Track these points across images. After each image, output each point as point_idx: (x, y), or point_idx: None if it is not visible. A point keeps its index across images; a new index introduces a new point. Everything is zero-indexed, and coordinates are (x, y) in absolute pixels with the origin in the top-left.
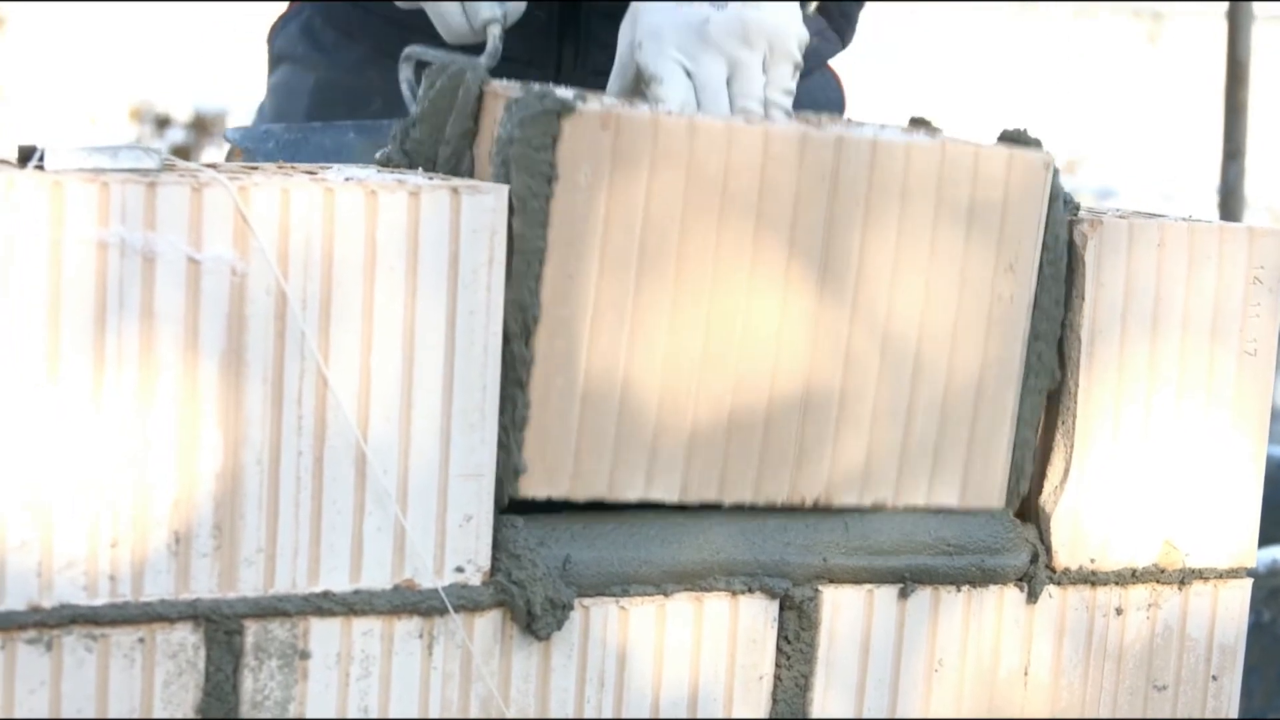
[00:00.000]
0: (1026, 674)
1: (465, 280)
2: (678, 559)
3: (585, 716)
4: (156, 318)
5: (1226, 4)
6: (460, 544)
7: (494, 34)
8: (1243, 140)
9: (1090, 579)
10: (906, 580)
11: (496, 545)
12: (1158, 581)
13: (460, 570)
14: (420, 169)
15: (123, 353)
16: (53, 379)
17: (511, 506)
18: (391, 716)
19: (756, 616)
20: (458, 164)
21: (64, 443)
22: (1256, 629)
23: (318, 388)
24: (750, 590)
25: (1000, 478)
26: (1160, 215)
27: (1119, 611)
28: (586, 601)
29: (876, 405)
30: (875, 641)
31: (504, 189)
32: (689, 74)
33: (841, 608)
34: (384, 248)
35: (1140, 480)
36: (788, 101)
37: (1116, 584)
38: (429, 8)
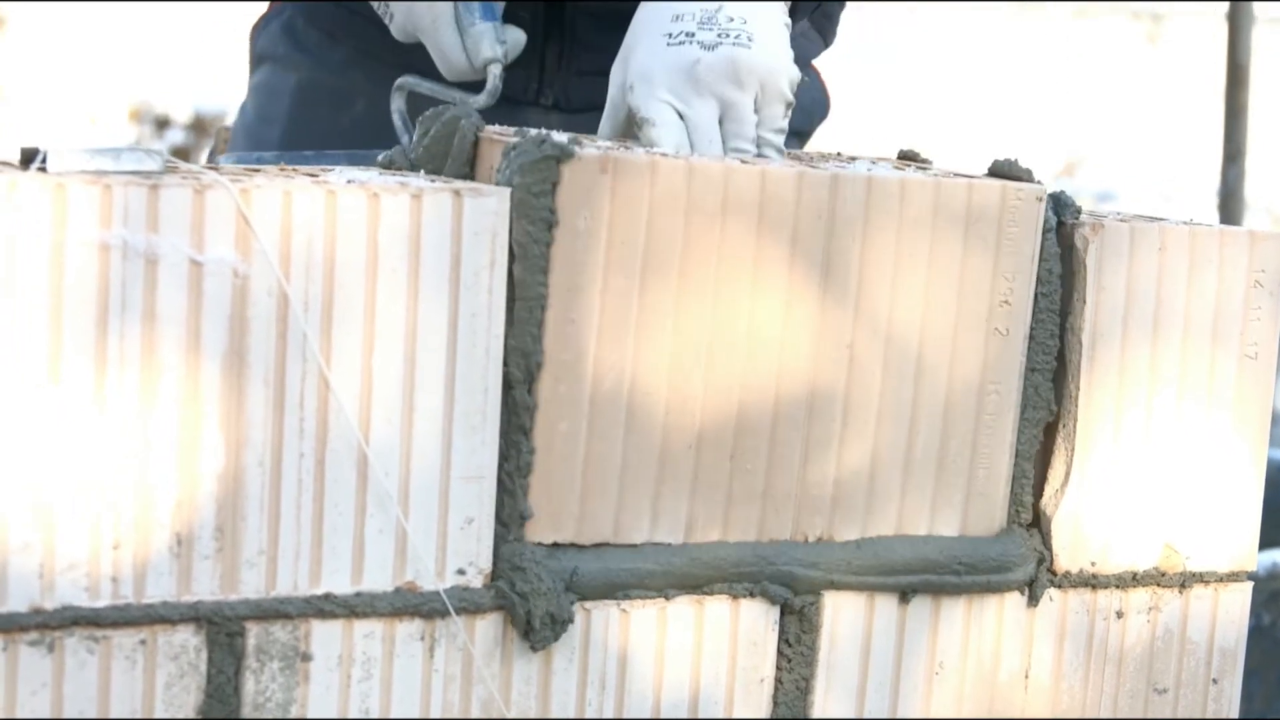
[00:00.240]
0: (1027, 677)
1: (467, 282)
2: (688, 573)
3: (586, 718)
4: (158, 320)
5: (1227, 6)
6: (462, 546)
7: (494, 73)
8: (1243, 142)
9: (1091, 582)
10: (911, 593)
11: (502, 554)
12: (1158, 585)
13: (462, 573)
14: None
15: (125, 354)
16: (55, 380)
17: None
18: (393, 719)
19: (757, 619)
20: None
21: (66, 444)
22: (1256, 632)
23: (319, 390)
24: (752, 595)
25: (1000, 512)
26: (1161, 219)
27: (1119, 615)
28: (588, 605)
29: (876, 449)
30: (876, 644)
31: (506, 192)
32: (681, 116)
33: (842, 611)
34: (386, 250)
35: (1141, 483)
36: (780, 140)
37: (1117, 587)
38: (429, 45)
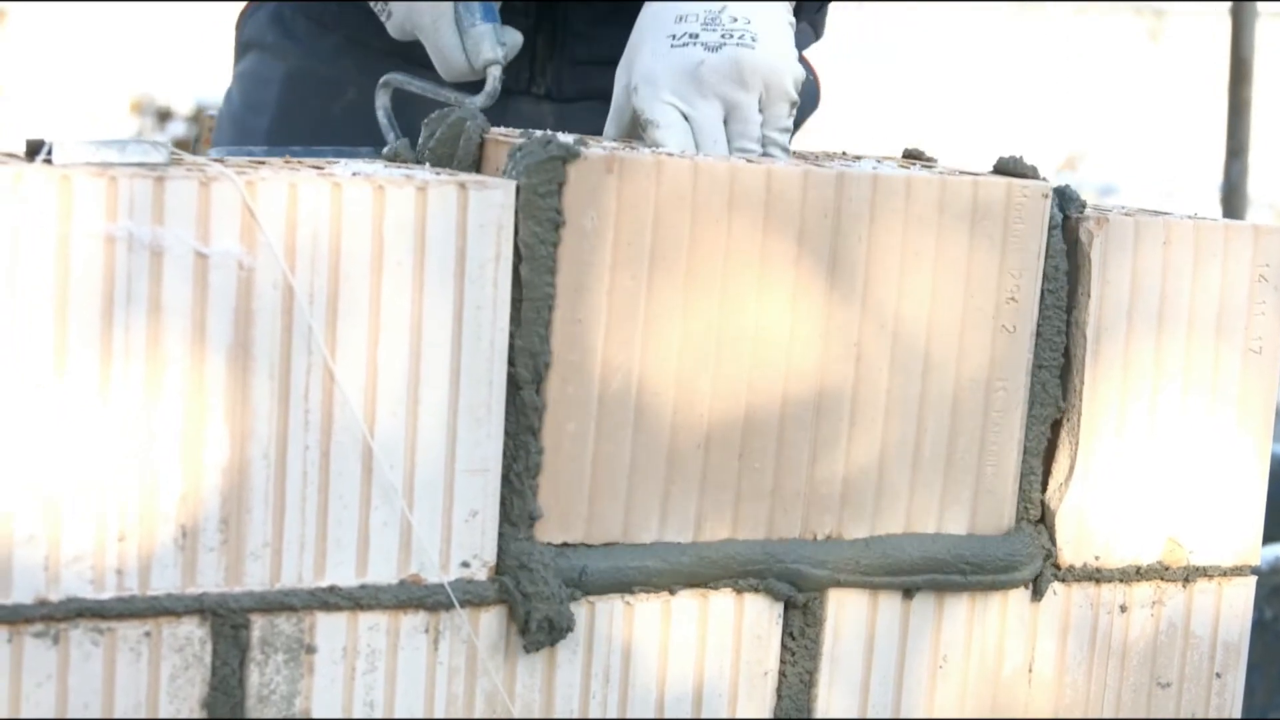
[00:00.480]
0: (1031, 671)
1: (472, 275)
2: (696, 572)
3: (590, 711)
4: (164, 312)
5: (1230, 1)
6: (466, 539)
7: (494, 74)
8: (1246, 138)
9: (1095, 576)
10: (915, 590)
11: (510, 551)
12: (1162, 579)
13: (466, 565)
14: None
15: (130, 347)
16: (60, 373)
17: None
18: (397, 710)
19: (761, 613)
20: None
21: (71, 437)
22: (1259, 627)
23: (325, 382)
24: (757, 590)
25: (1008, 509)
26: (1166, 213)
27: (1123, 609)
28: (592, 598)
29: (884, 447)
30: (880, 638)
31: (511, 184)
32: (685, 117)
33: (846, 605)
34: (391, 242)
35: (1145, 478)
36: (785, 139)
37: (1121, 581)
38: (428, 45)
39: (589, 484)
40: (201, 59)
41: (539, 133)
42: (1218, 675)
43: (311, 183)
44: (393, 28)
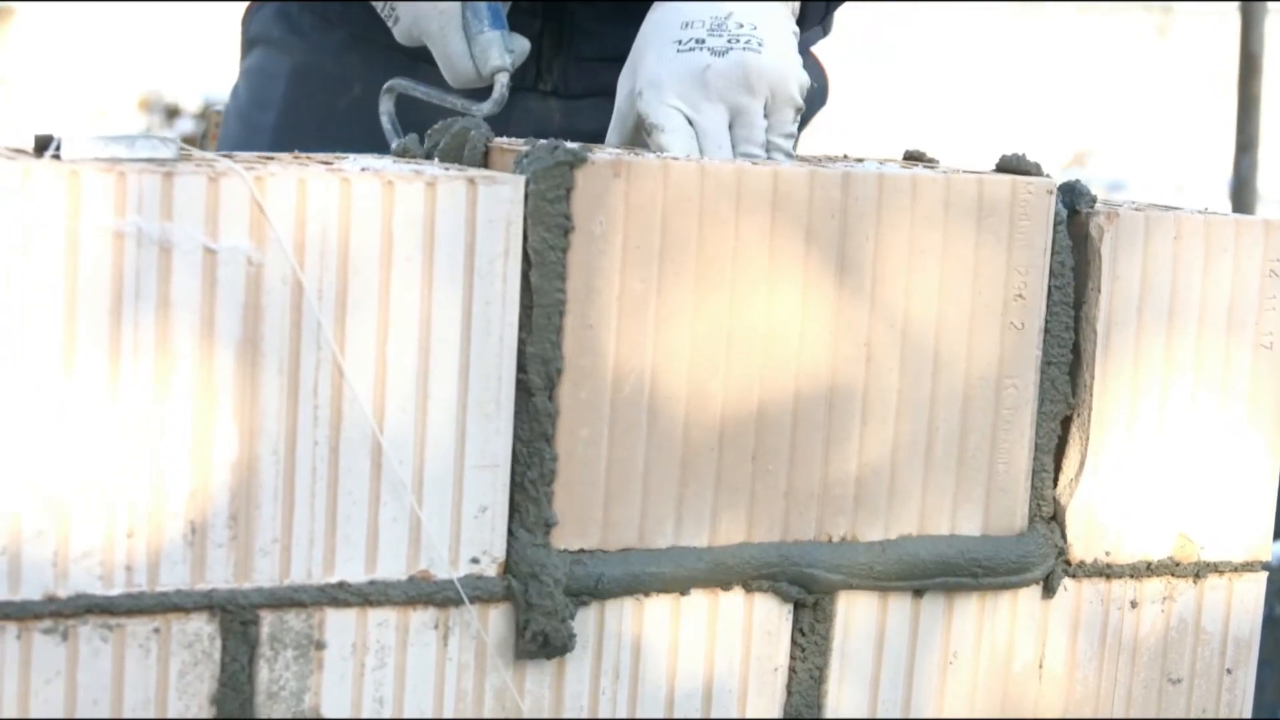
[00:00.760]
0: (1041, 667)
1: (481, 271)
2: (712, 576)
3: (600, 708)
4: (173, 308)
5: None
6: (476, 535)
7: (501, 81)
8: (1255, 133)
9: (1105, 572)
10: (926, 590)
11: (526, 556)
12: (1173, 575)
13: (475, 561)
14: None
15: (139, 343)
16: (68, 369)
17: None
18: (406, 706)
19: (771, 609)
20: None
21: (80, 433)
22: (1270, 623)
23: (334, 378)
24: (768, 590)
25: (1021, 507)
26: (1176, 208)
27: (1134, 605)
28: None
29: (896, 447)
30: (890, 635)
31: (521, 180)
32: (690, 122)
33: (856, 602)
34: (400, 238)
35: (1155, 473)
36: (790, 145)
37: (1131, 577)
38: (435, 51)
39: (604, 489)
40: (209, 56)
41: (544, 141)
42: (1228, 671)
43: (320, 178)
44: (399, 33)
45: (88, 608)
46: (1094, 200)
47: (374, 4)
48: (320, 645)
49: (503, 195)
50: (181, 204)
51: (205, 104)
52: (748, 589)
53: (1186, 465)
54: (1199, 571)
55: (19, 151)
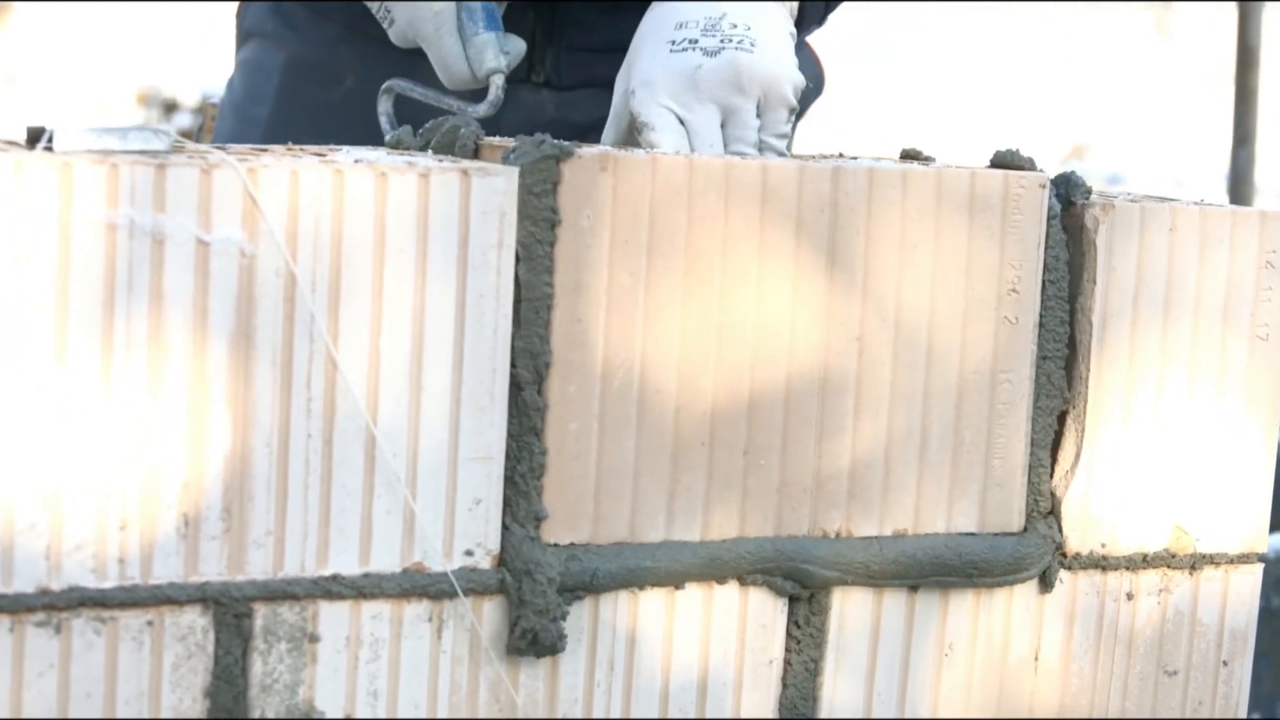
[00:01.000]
0: (1037, 659)
1: (475, 263)
2: (705, 572)
3: (594, 700)
4: (165, 300)
5: None
6: (470, 527)
7: (496, 83)
8: (1253, 126)
9: (1101, 564)
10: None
11: (521, 552)
12: (1169, 566)
13: (469, 554)
14: None
15: (131, 335)
16: (61, 361)
17: None
18: (400, 699)
19: (766, 602)
20: None
21: (72, 425)
22: (1266, 615)
23: (327, 370)
24: (762, 585)
25: (1017, 502)
26: (1172, 199)
27: (1130, 597)
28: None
29: (890, 442)
30: (885, 627)
31: (514, 171)
32: (682, 122)
33: (851, 595)
34: (394, 230)
35: (1151, 465)
36: (783, 145)
37: (1127, 569)
38: (430, 53)
39: (594, 483)
40: (207, 51)
41: (532, 137)
42: (1224, 663)
43: (313, 169)
44: (394, 35)
45: (81, 601)
46: (1089, 192)
47: (369, 5)
48: (314, 638)
49: (496, 187)
50: (174, 195)
51: (203, 98)
52: (742, 583)
53: (1182, 457)
54: (1195, 563)
55: (11, 144)
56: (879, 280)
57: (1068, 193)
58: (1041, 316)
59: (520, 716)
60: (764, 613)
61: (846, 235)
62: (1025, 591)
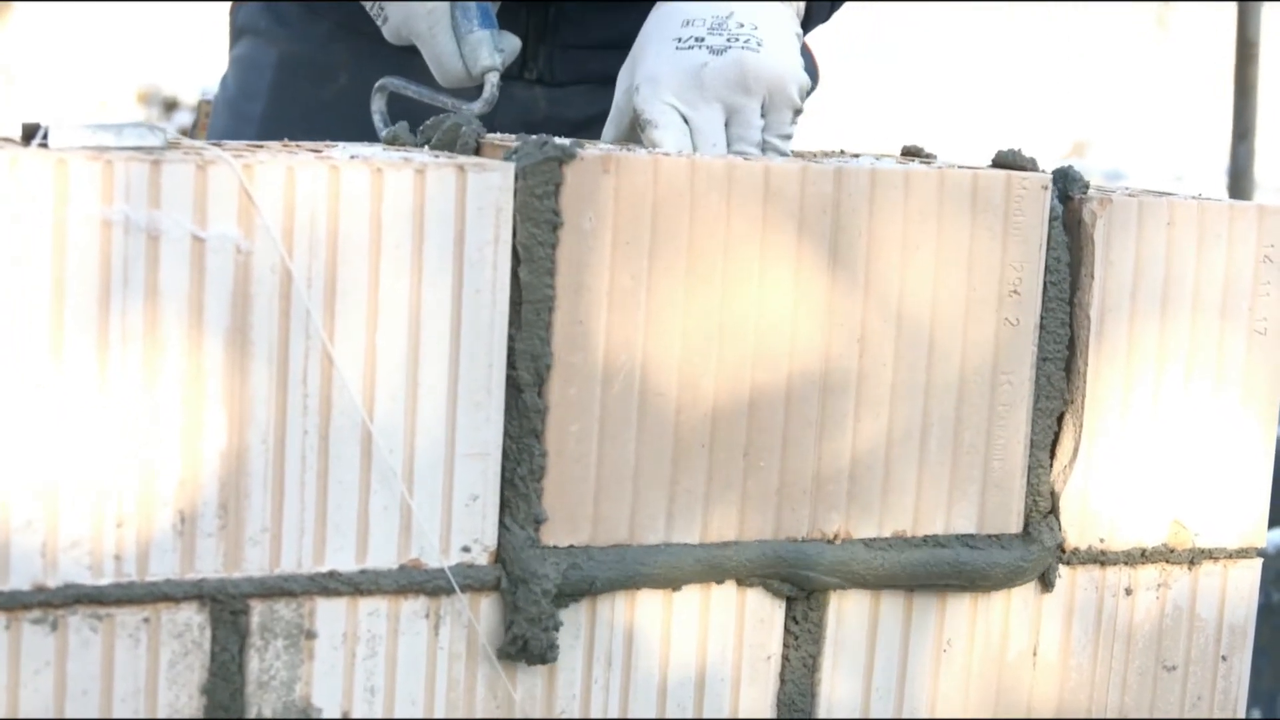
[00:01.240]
0: (1035, 654)
1: (471, 258)
2: (704, 575)
3: (592, 696)
4: (161, 296)
5: None
6: (466, 523)
7: (492, 81)
8: (1252, 121)
9: (1099, 559)
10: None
11: (521, 557)
12: (1167, 561)
13: (466, 550)
14: None
15: (127, 331)
16: (57, 358)
17: None
18: (397, 696)
19: (764, 598)
20: None
21: (68, 422)
22: (1265, 610)
23: (323, 366)
24: (758, 585)
25: (1017, 503)
26: (1170, 194)
27: (1128, 592)
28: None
29: (890, 444)
30: (884, 623)
31: (510, 167)
32: (685, 120)
33: (850, 592)
34: (389, 226)
35: (1149, 460)
36: (786, 146)
37: (1126, 564)
38: (425, 51)
39: (594, 485)
40: (208, 49)
41: (533, 136)
42: (1223, 658)
43: (309, 166)
44: (388, 33)
45: (77, 598)
46: (1086, 186)
47: (363, 3)
48: (311, 635)
49: (492, 182)
50: (169, 192)
51: (202, 96)
52: (740, 584)
53: (1181, 452)
54: (1194, 558)
55: (7, 140)
56: (881, 281)
57: (1065, 187)
58: (1042, 318)
59: (518, 713)
60: (762, 609)
61: (848, 236)
62: (1024, 588)
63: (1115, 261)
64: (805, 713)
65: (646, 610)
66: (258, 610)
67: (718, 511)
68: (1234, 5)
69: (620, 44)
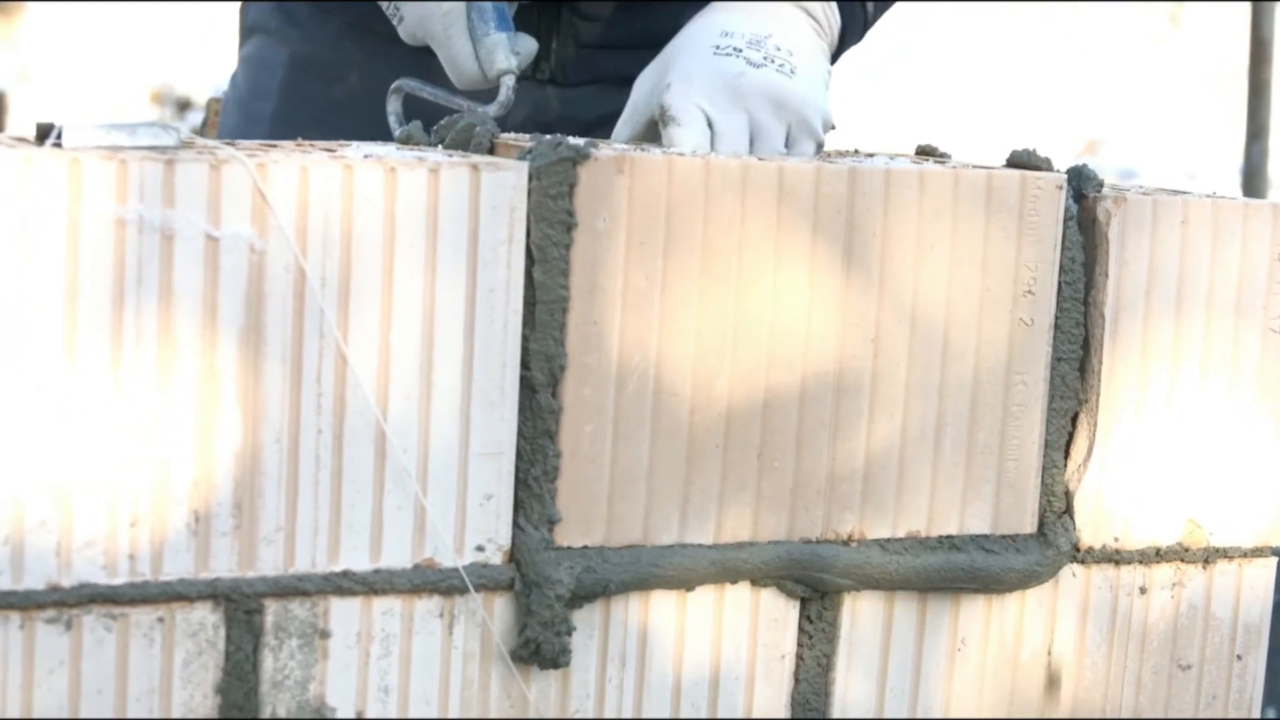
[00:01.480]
0: (1050, 654)
1: (485, 257)
2: (719, 576)
3: (606, 695)
4: (175, 296)
5: None
6: (480, 523)
7: (507, 84)
8: (1266, 120)
9: (1114, 558)
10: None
11: (537, 560)
12: (1182, 560)
13: (481, 549)
14: None
15: (141, 331)
16: (71, 357)
17: None
18: (411, 695)
19: (778, 597)
20: None
21: (82, 422)
22: (1279, 609)
23: (337, 366)
24: (771, 586)
25: (1031, 503)
26: (1184, 192)
27: (1143, 591)
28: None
29: (905, 445)
30: (898, 622)
31: (524, 166)
32: (710, 124)
33: (864, 593)
34: (403, 225)
35: (1164, 458)
36: None
37: (1140, 563)
38: (440, 53)
39: (608, 486)
40: (221, 49)
41: (548, 137)
42: (1238, 657)
43: (323, 165)
44: (404, 33)
45: (91, 597)
46: (1101, 184)
47: (380, 3)
48: (325, 634)
49: (506, 181)
50: (183, 191)
51: (212, 94)
52: (755, 584)
53: (1195, 450)
54: (1208, 557)
55: (20, 140)
56: (895, 281)
57: (1080, 186)
58: (1057, 317)
59: (532, 713)
60: (776, 608)
61: (863, 236)
62: (1038, 587)
63: (1130, 260)
64: (819, 712)
65: (660, 610)
66: (272, 610)
67: (732, 512)
68: (1248, 5)
69: (634, 44)
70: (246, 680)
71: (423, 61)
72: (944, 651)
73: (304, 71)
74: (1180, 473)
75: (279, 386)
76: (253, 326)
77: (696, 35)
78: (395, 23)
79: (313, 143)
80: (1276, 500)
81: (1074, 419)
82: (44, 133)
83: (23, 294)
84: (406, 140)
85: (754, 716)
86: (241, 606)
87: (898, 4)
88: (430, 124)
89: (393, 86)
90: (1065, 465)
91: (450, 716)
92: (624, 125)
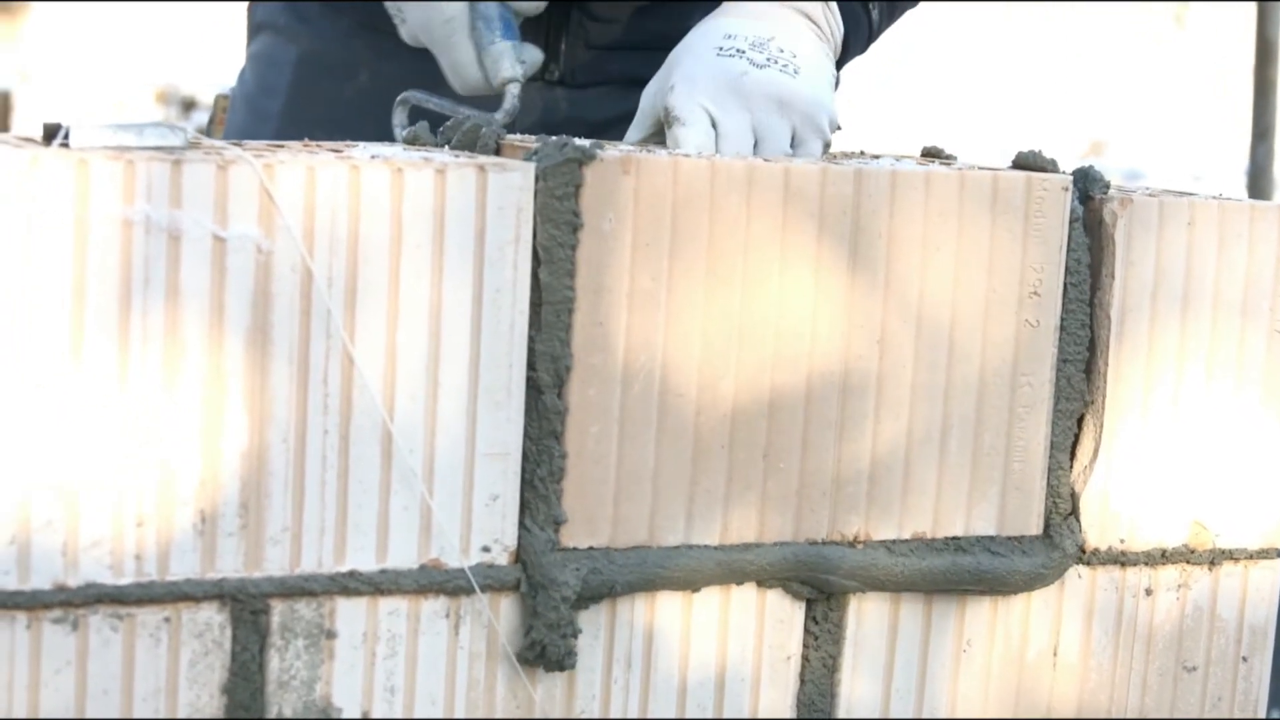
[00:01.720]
0: (1055, 655)
1: (491, 258)
2: (724, 577)
3: (612, 696)
4: (182, 296)
5: None
6: (487, 523)
7: (512, 92)
8: (1272, 120)
9: (1120, 560)
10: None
11: (543, 562)
12: (1188, 562)
13: (487, 550)
14: None
15: (148, 331)
16: (77, 357)
17: None
18: (417, 695)
19: (784, 598)
20: None
21: (89, 422)
22: None
23: (343, 366)
24: (777, 587)
25: (1037, 505)
26: (1191, 193)
27: (1149, 592)
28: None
29: (910, 446)
30: (903, 623)
31: (530, 166)
32: (714, 124)
33: (870, 594)
34: (410, 225)
35: (1170, 460)
36: None
37: (1146, 565)
38: (441, 59)
39: (614, 486)
40: (225, 49)
41: (553, 138)
42: (1244, 659)
43: (330, 166)
44: (405, 34)
45: (98, 597)
46: (1107, 186)
47: (384, 3)
48: (331, 634)
49: (513, 182)
50: (190, 192)
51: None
52: (761, 585)
53: (1201, 452)
54: (1214, 559)
55: (27, 140)
56: (900, 283)
57: (1086, 187)
58: (1062, 319)
59: (538, 713)
60: (781, 609)
61: (868, 237)
62: (1044, 589)
63: (1136, 262)
64: (825, 713)
65: (666, 611)
66: (278, 610)
67: (737, 513)
68: (1253, 5)
69: (642, 45)
70: (252, 680)
71: (432, 61)
72: (949, 653)
73: (313, 69)
74: (1186, 474)
75: (285, 387)
76: (259, 327)
77: (700, 38)
78: (398, 23)
79: (319, 143)
80: None
81: (1080, 421)
82: (51, 133)
83: (30, 294)
84: (413, 141)
85: (759, 717)
86: (248, 607)
87: (907, 12)
88: (436, 126)
89: (399, 99)
90: (1071, 467)
91: (456, 717)
92: (634, 131)
